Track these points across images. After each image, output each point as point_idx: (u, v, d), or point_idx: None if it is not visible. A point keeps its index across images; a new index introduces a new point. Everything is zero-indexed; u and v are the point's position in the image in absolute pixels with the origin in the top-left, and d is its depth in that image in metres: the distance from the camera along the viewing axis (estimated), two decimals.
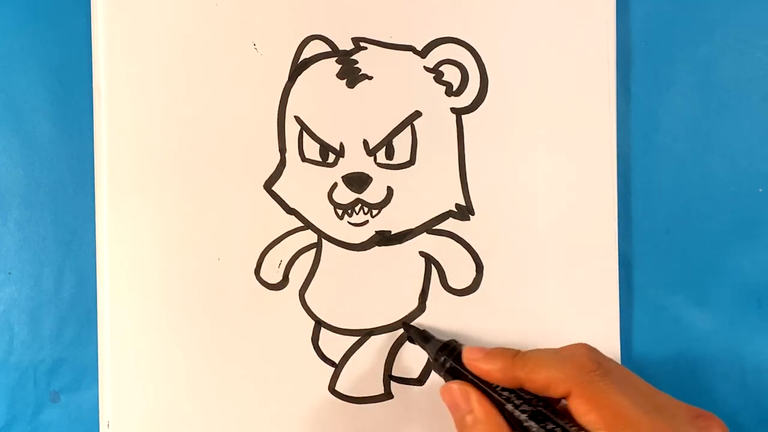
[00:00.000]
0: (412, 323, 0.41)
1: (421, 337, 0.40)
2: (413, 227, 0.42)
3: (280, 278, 0.42)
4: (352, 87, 0.42)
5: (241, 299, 0.41)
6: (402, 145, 0.42)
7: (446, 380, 0.37)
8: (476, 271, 0.42)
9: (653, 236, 0.44)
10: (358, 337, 0.42)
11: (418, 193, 0.42)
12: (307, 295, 0.42)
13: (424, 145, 0.42)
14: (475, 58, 0.42)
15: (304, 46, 0.42)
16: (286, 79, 0.42)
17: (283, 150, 0.42)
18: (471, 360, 0.36)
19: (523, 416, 0.33)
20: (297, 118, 0.42)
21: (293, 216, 0.42)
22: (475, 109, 0.42)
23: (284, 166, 0.42)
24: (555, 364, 0.34)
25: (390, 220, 0.42)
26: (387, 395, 0.42)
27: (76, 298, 0.42)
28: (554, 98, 0.42)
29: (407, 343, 0.42)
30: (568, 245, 0.42)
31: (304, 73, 0.42)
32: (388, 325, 0.42)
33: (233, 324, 0.41)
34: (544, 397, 0.34)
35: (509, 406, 0.34)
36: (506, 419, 0.34)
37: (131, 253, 0.41)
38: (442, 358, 0.38)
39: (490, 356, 0.36)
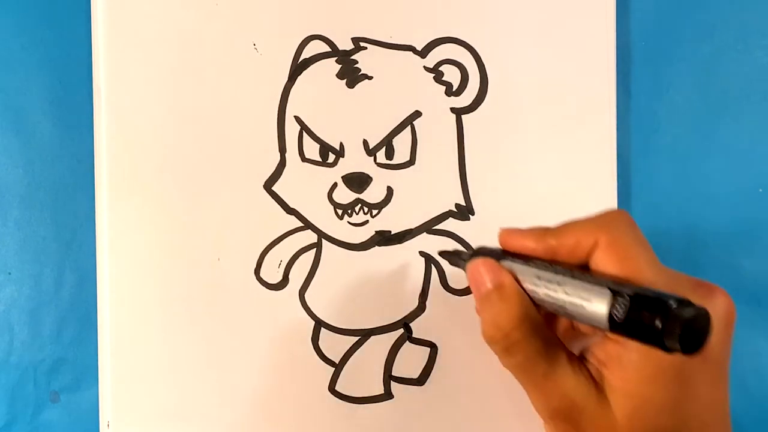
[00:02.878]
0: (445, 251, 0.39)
1: (454, 255, 0.38)
2: (413, 227, 0.42)
3: (280, 278, 0.42)
4: (352, 87, 0.42)
5: (241, 299, 0.41)
6: (402, 145, 0.42)
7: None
8: None
9: (653, 236, 0.43)
10: (358, 337, 0.42)
11: (418, 193, 0.42)
12: (307, 295, 0.42)
13: (424, 145, 0.42)
14: (475, 58, 0.42)
15: (304, 46, 0.42)
16: (286, 79, 0.42)
17: (283, 150, 0.42)
18: (506, 234, 0.34)
19: (539, 280, 0.32)
20: (297, 118, 0.42)
21: (293, 216, 0.42)
22: (475, 109, 0.42)
23: (284, 166, 0.42)
24: (583, 221, 0.33)
25: (390, 220, 0.42)
26: (387, 395, 0.42)
27: (76, 298, 0.42)
28: (554, 98, 0.42)
29: (407, 343, 0.42)
30: None
31: (304, 73, 0.42)
32: (388, 325, 0.42)
33: (233, 324, 0.41)
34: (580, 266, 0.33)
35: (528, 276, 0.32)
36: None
37: (131, 253, 0.41)
38: (477, 254, 0.35)
39: (523, 230, 0.34)
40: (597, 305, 0.29)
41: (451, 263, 0.38)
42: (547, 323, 0.33)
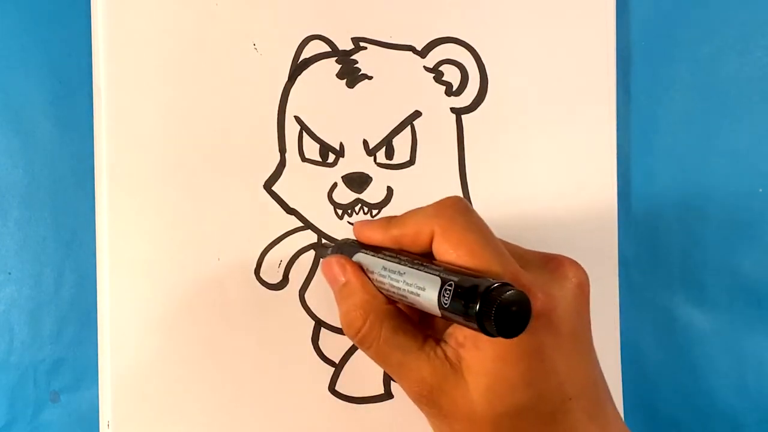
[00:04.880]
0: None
1: (322, 249, 0.39)
2: None
3: (280, 278, 0.42)
4: (352, 87, 0.42)
5: (241, 299, 0.41)
6: (402, 145, 0.42)
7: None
8: None
9: (653, 236, 0.44)
10: None
11: (418, 193, 0.42)
12: (307, 295, 0.42)
13: (424, 145, 0.42)
14: (475, 58, 0.42)
15: (304, 46, 0.42)
16: (286, 79, 0.42)
17: (283, 150, 0.42)
18: (358, 227, 0.36)
19: (380, 270, 0.34)
20: (297, 118, 0.42)
21: (293, 216, 0.42)
22: (475, 109, 0.42)
23: (284, 166, 0.42)
24: (422, 212, 0.34)
25: None
26: (387, 395, 0.42)
27: (76, 298, 0.42)
28: (554, 98, 0.42)
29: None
30: (568, 245, 0.42)
31: (304, 73, 0.42)
32: None
33: (233, 324, 0.41)
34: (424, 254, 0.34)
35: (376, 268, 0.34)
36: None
37: (131, 253, 0.41)
38: (335, 249, 0.38)
39: (372, 221, 0.36)
40: (429, 293, 0.31)
41: (319, 256, 0.40)
42: (410, 309, 0.34)
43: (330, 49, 0.42)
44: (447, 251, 0.32)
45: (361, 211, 0.42)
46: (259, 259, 0.42)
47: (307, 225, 0.42)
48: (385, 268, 0.34)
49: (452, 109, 0.42)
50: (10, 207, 0.42)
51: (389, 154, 0.42)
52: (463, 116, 0.42)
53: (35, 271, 0.42)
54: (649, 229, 0.44)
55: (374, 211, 0.42)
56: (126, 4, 0.41)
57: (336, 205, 0.42)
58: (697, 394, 0.43)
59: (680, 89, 0.44)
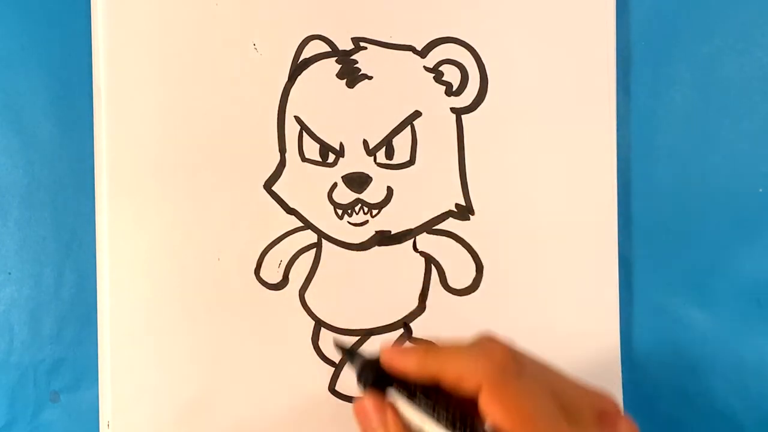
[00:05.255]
0: (338, 342, 0.36)
1: (348, 354, 0.35)
2: (413, 227, 0.42)
3: (280, 278, 0.42)
4: (352, 87, 0.42)
5: (241, 299, 0.41)
6: (402, 145, 0.42)
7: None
8: (476, 271, 0.42)
9: (653, 236, 0.44)
10: (358, 337, 0.42)
11: (418, 193, 0.42)
12: (307, 295, 0.42)
13: (424, 145, 0.42)
14: (474, 58, 0.42)
15: (304, 46, 0.42)
16: (286, 79, 0.42)
17: (283, 150, 0.42)
18: (387, 360, 0.33)
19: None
20: (297, 118, 0.42)
21: (293, 216, 0.42)
22: (475, 109, 0.42)
23: (284, 166, 0.42)
24: (467, 356, 0.32)
25: (390, 220, 0.42)
26: None
27: (76, 298, 0.42)
28: (554, 98, 0.42)
29: (407, 343, 0.42)
30: (568, 245, 0.42)
31: (304, 73, 0.42)
32: (388, 325, 0.42)
33: (233, 324, 0.41)
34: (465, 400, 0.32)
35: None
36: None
37: (131, 253, 0.41)
38: (365, 375, 0.33)
39: (404, 352, 0.33)
40: None
41: (348, 361, 0.35)
42: None
43: (330, 49, 0.42)
44: (496, 413, 0.30)
45: (361, 211, 0.42)
46: (259, 259, 0.42)
47: (307, 225, 0.42)
48: (422, 421, 0.31)
49: (452, 109, 0.42)
50: (10, 207, 0.42)
51: (389, 154, 0.42)
52: (463, 116, 0.42)
53: (35, 271, 0.42)
54: (649, 229, 0.43)
55: (374, 211, 0.42)
56: (126, 4, 0.41)
57: (336, 205, 0.42)
58: (697, 394, 0.43)
59: (680, 89, 0.44)
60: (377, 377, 0.33)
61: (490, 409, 0.30)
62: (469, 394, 0.31)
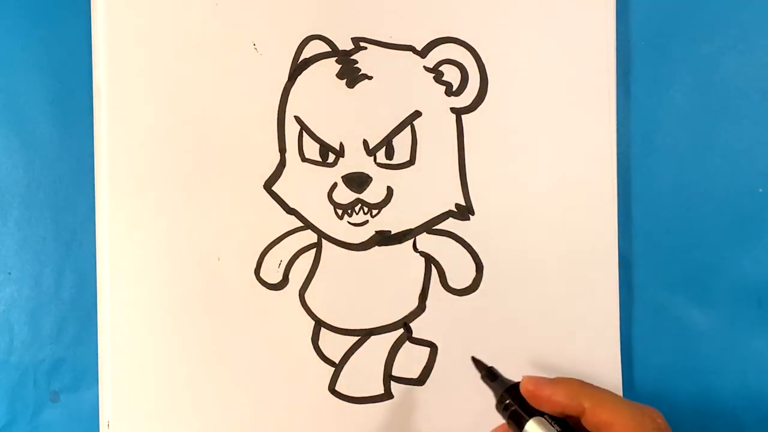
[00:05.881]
0: (477, 359, 0.39)
1: (488, 374, 0.38)
2: (413, 227, 0.42)
3: (280, 278, 0.42)
4: (352, 87, 0.42)
5: (241, 299, 0.41)
6: (402, 145, 0.42)
7: (509, 425, 0.36)
8: (476, 270, 0.42)
9: (653, 236, 0.44)
10: (358, 337, 0.42)
11: (418, 193, 0.42)
12: (307, 295, 0.42)
13: (424, 145, 0.42)
14: (475, 58, 0.42)
15: (304, 46, 0.42)
16: (286, 79, 0.42)
17: (283, 150, 0.42)
18: (532, 385, 0.35)
19: None
20: (297, 118, 0.42)
21: (293, 216, 0.42)
22: (475, 109, 0.42)
23: (284, 166, 0.42)
24: (626, 411, 0.33)
25: (390, 220, 0.42)
26: (387, 395, 0.42)
27: (76, 298, 0.42)
28: (554, 98, 0.42)
29: (407, 343, 0.42)
30: (568, 245, 0.42)
31: (304, 73, 0.42)
32: (388, 325, 0.42)
33: (233, 324, 0.41)
34: None
35: None
36: None
37: (131, 253, 0.41)
38: (507, 401, 0.36)
39: (554, 382, 0.35)
40: None
41: (487, 381, 0.38)
42: None
43: (330, 49, 0.42)
44: None
45: (361, 211, 0.42)
46: (259, 259, 0.42)
47: (307, 225, 0.42)
48: None
49: (452, 109, 0.42)
50: (10, 207, 0.42)
51: (389, 154, 0.42)
52: (463, 116, 0.42)
53: (35, 271, 0.42)
54: (649, 229, 0.43)
55: (374, 211, 0.42)
56: (126, 4, 0.41)
57: (336, 205, 0.42)
58: (697, 394, 0.43)
59: (680, 89, 0.44)
60: (520, 404, 0.35)
61: None
62: None
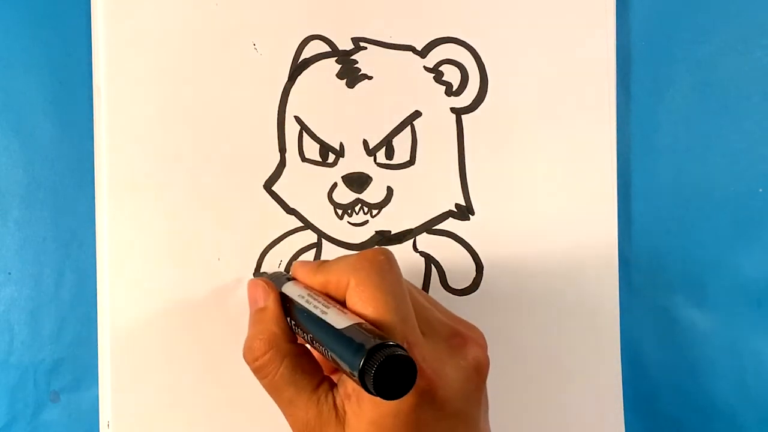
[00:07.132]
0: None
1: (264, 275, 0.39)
2: (413, 227, 0.42)
3: None
4: (352, 87, 0.42)
5: (241, 299, 0.41)
6: (402, 145, 0.42)
7: None
8: (476, 271, 0.42)
9: (653, 236, 0.44)
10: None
11: (418, 193, 0.42)
12: None
13: (424, 145, 0.42)
14: (475, 58, 0.42)
15: (304, 46, 0.42)
16: (286, 79, 0.42)
17: (283, 150, 0.42)
18: (296, 266, 0.36)
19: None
20: (297, 118, 0.42)
21: (293, 216, 0.42)
22: (475, 109, 0.42)
23: (284, 166, 0.42)
24: (346, 259, 0.34)
25: (390, 220, 0.42)
26: None
27: (76, 298, 0.42)
28: (554, 98, 0.42)
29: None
30: (568, 245, 0.42)
31: (304, 73, 0.42)
32: None
33: (233, 324, 0.41)
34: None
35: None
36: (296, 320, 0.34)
37: (131, 253, 0.41)
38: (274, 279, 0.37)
39: (306, 264, 0.36)
40: (328, 336, 0.31)
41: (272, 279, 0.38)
42: None
43: (330, 49, 0.42)
44: (356, 304, 0.32)
45: (361, 211, 0.42)
46: (259, 259, 0.42)
47: (307, 225, 0.42)
48: (301, 297, 0.34)
49: (452, 109, 0.42)
50: (10, 207, 0.42)
51: (389, 154, 0.42)
52: (463, 116, 0.42)
53: (35, 271, 0.42)
54: (649, 229, 0.44)
55: (374, 211, 0.42)
56: (126, 4, 0.41)
57: (336, 205, 0.42)
58: (697, 394, 0.43)
59: (680, 89, 0.44)
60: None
61: (352, 301, 0.32)
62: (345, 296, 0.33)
